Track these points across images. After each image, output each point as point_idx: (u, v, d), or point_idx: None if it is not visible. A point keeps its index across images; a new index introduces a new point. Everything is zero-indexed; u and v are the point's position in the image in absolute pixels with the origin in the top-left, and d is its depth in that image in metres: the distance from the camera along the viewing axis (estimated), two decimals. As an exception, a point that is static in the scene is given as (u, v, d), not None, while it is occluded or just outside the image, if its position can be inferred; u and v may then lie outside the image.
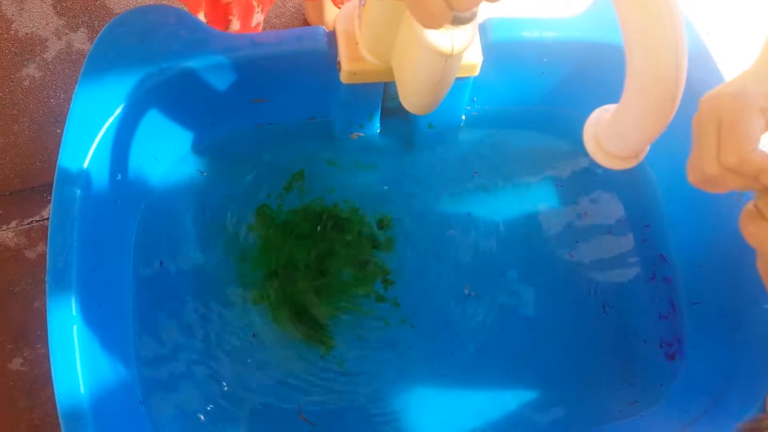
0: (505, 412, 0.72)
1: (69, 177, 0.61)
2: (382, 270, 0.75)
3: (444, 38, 0.50)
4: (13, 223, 1.11)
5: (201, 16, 0.87)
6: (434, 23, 0.35)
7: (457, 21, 0.40)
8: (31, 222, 1.11)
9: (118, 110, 0.63)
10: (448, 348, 0.73)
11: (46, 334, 1.03)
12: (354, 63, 0.64)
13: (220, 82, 0.68)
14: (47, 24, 1.27)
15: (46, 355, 1.05)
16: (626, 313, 0.76)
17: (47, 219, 1.12)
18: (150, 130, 0.68)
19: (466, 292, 0.75)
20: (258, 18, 0.94)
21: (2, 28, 1.25)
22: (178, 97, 0.68)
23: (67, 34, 1.26)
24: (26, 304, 1.06)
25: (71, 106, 0.63)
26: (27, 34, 1.25)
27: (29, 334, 1.05)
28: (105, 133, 0.63)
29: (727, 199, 0.67)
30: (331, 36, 0.67)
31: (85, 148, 0.62)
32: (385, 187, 0.79)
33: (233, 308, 0.72)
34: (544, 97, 0.80)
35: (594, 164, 0.81)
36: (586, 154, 0.53)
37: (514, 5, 1.38)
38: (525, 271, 0.76)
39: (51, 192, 1.12)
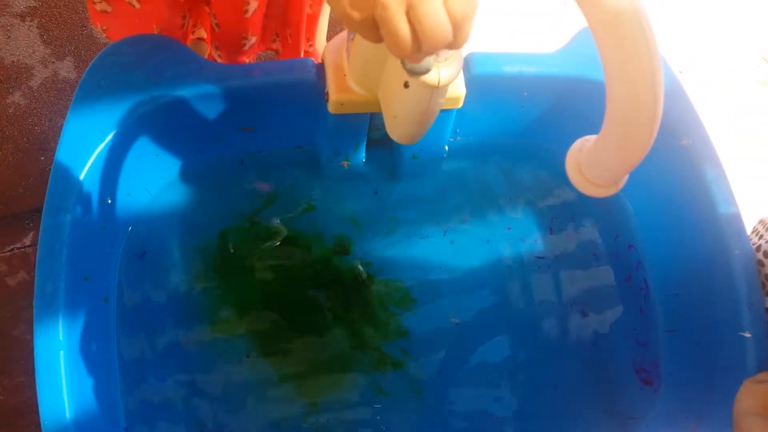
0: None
1: (59, 202, 0.61)
2: (365, 301, 0.76)
3: (432, 71, 0.52)
4: (-6, 250, 1.10)
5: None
6: (406, 55, 0.40)
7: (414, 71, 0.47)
8: (13, 249, 1.11)
9: (109, 137, 0.64)
10: (429, 381, 0.74)
11: (25, 363, 1.02)
12: (342, 94, 0.66)
13: (211, 110, 0.69)
14: (34, 52, 1.28)
15: (25, 384, 1.04)
16: (604, 340, 0.77)
17: (29, 246, 1.11)
18: (139, 157, 0.69)
19: (454, 321, 0.76)
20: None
21: (-12, 56, 1.26)
22: (168, 124, 0.69)
23: (53, 62, 1.27)
24: (5, 332, 1.05)
25: (62, 131, 0.64)
26: (13, 62, 1.26)
27: (8, 363, 1.04)
28: (95, 159, 0.64)
29: (700, 229, 0.70)
30: (320, 67, 0.69)
31: (76, 173, 0.62)
32: (369, 216, 0.80)
33: (218, 339, 0.72)
34: (524, 130, 0.82)
35: (572, 194, 0.83)
36: (565, 185, 0.55)
37: (496, 41, 1.42)
38: (509, 298, 0.78)
39: (33, 219, 1.12)
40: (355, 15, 0.39)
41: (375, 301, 0.76)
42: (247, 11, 0.84)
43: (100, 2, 0.86)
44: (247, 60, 0.97)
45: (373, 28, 0.39)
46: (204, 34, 0.99)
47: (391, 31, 0.38)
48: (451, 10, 0.38)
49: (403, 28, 0.38)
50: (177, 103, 0.67)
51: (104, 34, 0.90)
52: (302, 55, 1.01)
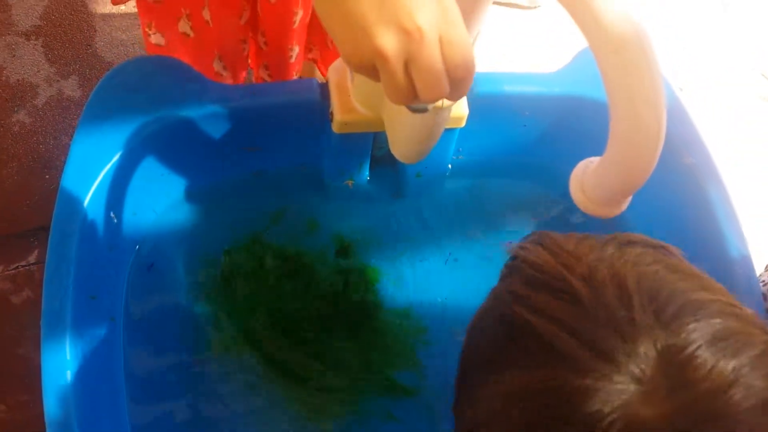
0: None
1: (66, 222, 0.62)
2: (374, 329, 0.76)
3: None
4: (-1, 268, 1.11)
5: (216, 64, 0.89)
6: (403, 102, 0.41)
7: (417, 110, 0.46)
8: (17, 267, 1.11)
9: (116, 157, 0.65)
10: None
11: (29, 381, 1.02)
12: (346, 113, 0.67)
13: (216, 130, 0.70)
14: (38, 71, 1.29)
15: (29, 403, 1.04)
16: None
17: (33, 264, 1.12)
18: (145, 177, 0.70)
19: (459, 338, 0.76)
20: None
21: (-7, 74, 1.27)
22: (174, 145, 0.70)
23: (58, 81, 1.28)
24: (9, 350, 1.05)
25: (69, 152, 0.65)
26: (18, 80, 1.27)
27: (12, 381, 1.04)
28: (102, 179, 0.64)
29: (704, 247, 0.70)
30: (324, 87, 0.69)
31: (83, 193, 0.63)
32: (373, 235, 0.80)
33: (224, 360, 0.72)
34: (526, 148, 0.82)
35: (575, 211, 0.84)
36: (568, 201, 0.56)
37: (498, 61, 1.43)
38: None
39: (38, 237, 1.13)
40: (356, 60, 0.39)
41: (386, 330, 0.75)
42: (294, 22, 0.84)
43: (154, 34, 0.86)
44: (295, 73, 0.97)
45: (373, 73, 0.39)
46: (249, 59, 1.00)
47: (389, 81, 0.39)
48: (451, 67, 0.38)
49: (401, 80, 0.38)
50: (182, 123, 0.68)
51: None
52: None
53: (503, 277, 0.44)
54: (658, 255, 0.40)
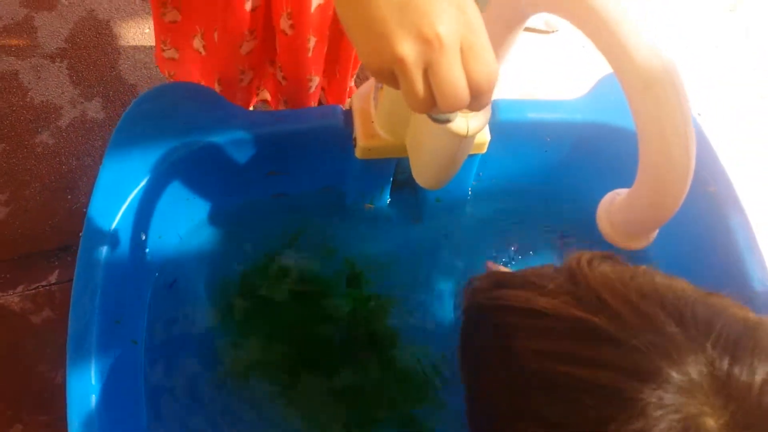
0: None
1: (93, 246, 0.63)
2: (387, 353, 0.76)
3: (460, 120, 0.54)
4: (20, 288, 1.11)
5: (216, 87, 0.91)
6: (422, 111, 0.40)
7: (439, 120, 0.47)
8: (38, 287, 1.12)
9: (143, 182, 0.66)
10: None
11: (47, 401, 1.03)
12: (369, 139, 0.67)
13: (241, 156, 0.71)
14: (63, 93, 1.31)
15: (46, 423, 1.05)
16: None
17: (54, 284, 1.12)
18: (171, 201, 0.71)
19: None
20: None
21: (18, 95, 1.29)
22: (200, 170, 0.71)
23: (81, 103, 1.30)
24: (28, 370, 1.06)
25: (98, 176, 0.66)
26: (42, 101, 1.29)
27: (30, 400, 1.04)
28: (129, 203, 0.65)
29: (725, 274, 0.70)
30: (348, 114, 0.70)
31: (111, 218, 0.64)
32: (391, 260, 0.80)
33: (241, 381, 0.72)
34: (546, 172, 0.83)
35: (594, 235, 0.84)
36: (586, 227, 0.56)
37: (519, 85, 1.43)
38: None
39: (59, 257, 1.14)
40: (375, 65, 0.38)
41: (402, 361, 0.75)
42: (308, 49, 0.86)
43: (169, 49, 0.88)
44: (313, 104, 0.98)
45: (393, 79, 0.39)
46: (268, 96, 1.02)
47: (408, 88, 0.38)
48: (471, 77, 0.38)
49: (419, 88, 0.38)
50: (208, 149, 0.69)
51: (171, 80, 0.93)
52: (348, 90, 1.02)
53: (500, 333, 0.42)
54: (624, 265, 0.39)
